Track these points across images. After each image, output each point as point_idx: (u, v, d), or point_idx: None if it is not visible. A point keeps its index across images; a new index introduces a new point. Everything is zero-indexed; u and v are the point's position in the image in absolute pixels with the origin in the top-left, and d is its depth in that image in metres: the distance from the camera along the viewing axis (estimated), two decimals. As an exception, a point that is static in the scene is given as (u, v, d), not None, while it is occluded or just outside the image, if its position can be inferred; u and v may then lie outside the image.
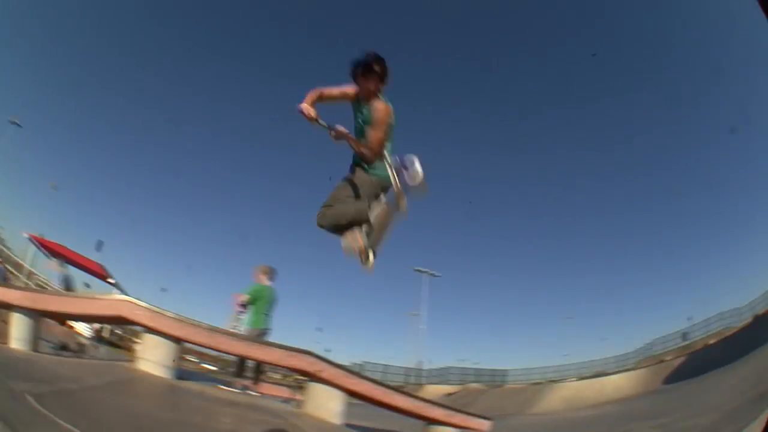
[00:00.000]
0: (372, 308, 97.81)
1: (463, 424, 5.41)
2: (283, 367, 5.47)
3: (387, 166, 2.20)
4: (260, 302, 5.87)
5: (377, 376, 37.95)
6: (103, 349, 9.33)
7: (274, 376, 17.27)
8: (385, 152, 2.24)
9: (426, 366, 42.17)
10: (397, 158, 2.22)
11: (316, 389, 4.74)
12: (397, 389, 6.05)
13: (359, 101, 2.27)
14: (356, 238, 2.10)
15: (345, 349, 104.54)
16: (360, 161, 2.27)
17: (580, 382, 20.52)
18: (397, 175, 2.15)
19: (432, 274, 42.06)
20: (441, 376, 40.65)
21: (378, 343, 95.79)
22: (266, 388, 7.28)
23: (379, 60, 2.18)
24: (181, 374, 5.19)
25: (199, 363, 18.93)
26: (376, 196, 2.28)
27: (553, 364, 47.51)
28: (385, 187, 2.27)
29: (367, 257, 2.17)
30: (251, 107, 74.98)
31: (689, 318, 27.00)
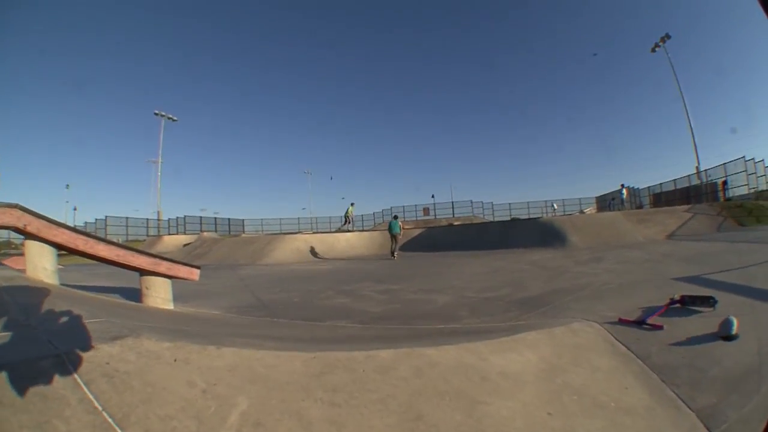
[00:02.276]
0: (115, 158, 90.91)
1: (170, 272, 5.18)
2: (-4, 227, 4.34)
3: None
4: None
5: (119, 230, 38.15)
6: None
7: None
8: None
9: (165, 216, 43.07)
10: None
11: (31, 248, 4.50)
12: (100, 239, 4.98)
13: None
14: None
15: (92, 206, 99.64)
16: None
17: (314, 235, 21.11)
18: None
19: (170, 118, 42.74)
20: (179, 225, 41.72)
21: (123, 196, 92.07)
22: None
23: None
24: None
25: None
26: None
27: (290, 217, 52.89)
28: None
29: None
30: None
31: (432, 195, 29.43)
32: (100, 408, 1.72)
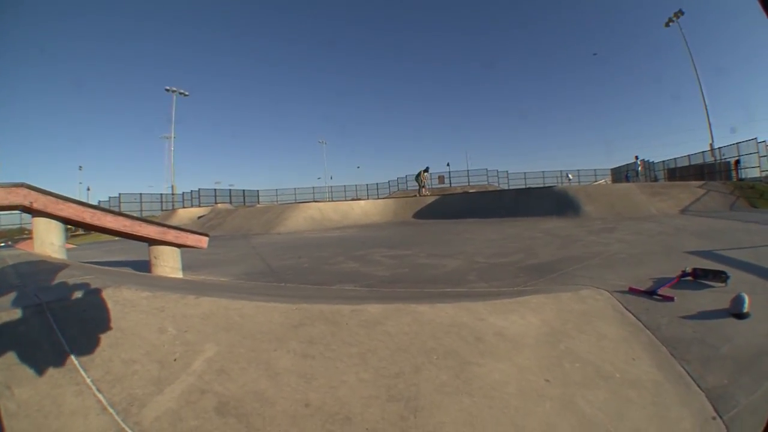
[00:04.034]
0: (127, 136, 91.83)
1: (178, 241, 5.16)
2: (7, 207, 4.47)
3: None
4: None
5: (133, 207, 39.39)
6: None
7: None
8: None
9: (179, 190, 44.38)
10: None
11: (38, 225, 4.51)
12: (107, 210, 4.99)
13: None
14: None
15: (106, 184, 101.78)
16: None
17: (328, 203, 21.83)
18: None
19: (182, 93, 43.61)
20: (194, 198, 42.58)
21: (137, 173, 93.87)
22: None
23: None
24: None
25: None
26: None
27: (305, 186, 53.05)
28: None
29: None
30: None
31: (448, 164, 29.94)
32: (68, 351, 1.81)
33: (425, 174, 24.42)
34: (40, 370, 1.69)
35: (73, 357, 1.79)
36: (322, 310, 2.52)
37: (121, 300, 2.36)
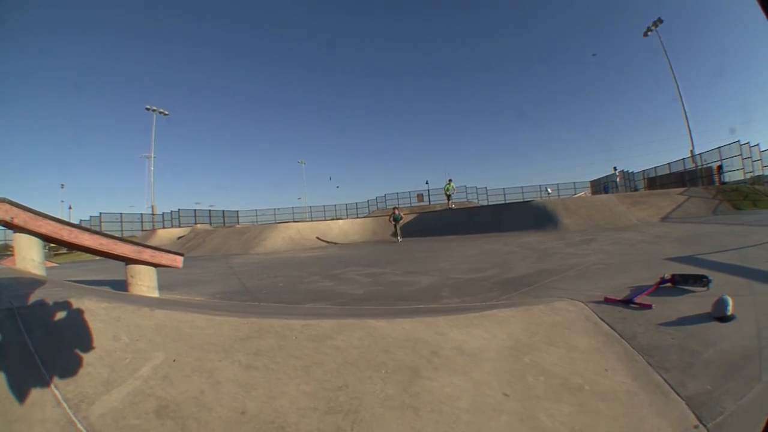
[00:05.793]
0: (109, 156, 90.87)
1: (153, 260, 5.15)
2: (-15, 223, 4.45)
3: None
4: None
5: (114, 227, 38.43)
6: None
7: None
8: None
9: (159, 210, 43.27)
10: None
11: (19, 241, 4.57)
12: (84, 228, 4.95)
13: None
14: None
15: (88, 204, 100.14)
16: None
17: (306, 223, 21.81)
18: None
19: (162, 112, 42.55)
20: (174, 219, 41.98)
21: (119, 193, 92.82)
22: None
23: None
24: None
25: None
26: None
27: (285, 207, 52.79)
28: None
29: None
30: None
31: (426, 182, 29.19)
32: (33, 351, 1.96)
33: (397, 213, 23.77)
34: (10, 365, 1.84)
35: (36, 357, 1.93)
36: (272, 324, 2.49)
37: (82, 309, 2.49)
